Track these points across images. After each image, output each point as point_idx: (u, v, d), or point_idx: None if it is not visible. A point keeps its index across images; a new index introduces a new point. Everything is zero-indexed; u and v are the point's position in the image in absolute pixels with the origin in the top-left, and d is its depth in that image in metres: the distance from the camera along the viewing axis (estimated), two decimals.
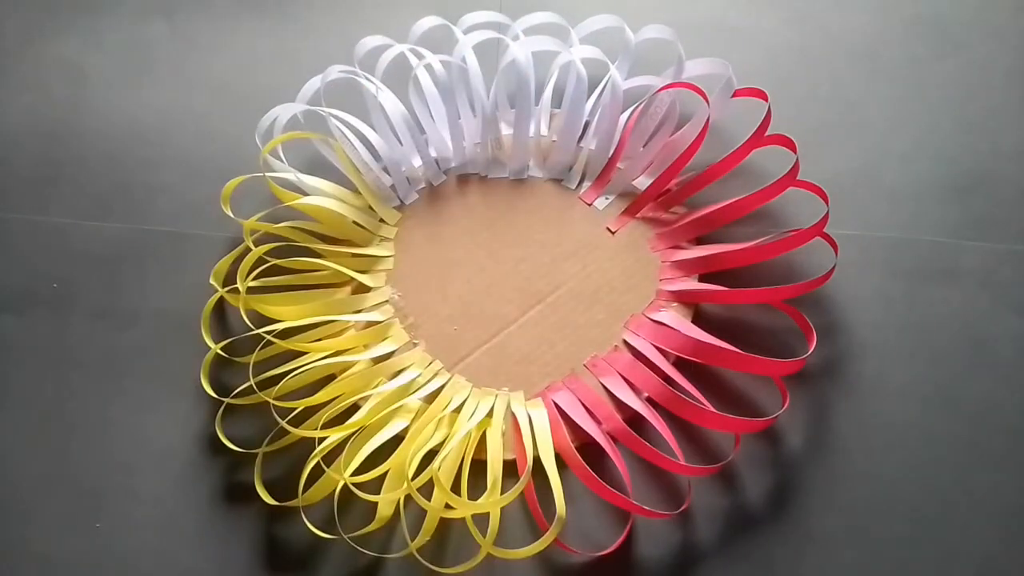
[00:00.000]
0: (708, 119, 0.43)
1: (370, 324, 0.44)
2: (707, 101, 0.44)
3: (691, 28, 0.48)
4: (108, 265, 0.47)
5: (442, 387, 0.42)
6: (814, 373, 0.41)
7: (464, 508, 0.38)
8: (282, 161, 0.47)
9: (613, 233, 0.45)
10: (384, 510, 0.39)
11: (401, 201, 0.48)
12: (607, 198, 0.46)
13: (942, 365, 0.41)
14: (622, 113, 0.47)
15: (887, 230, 0.44)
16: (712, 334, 0.41)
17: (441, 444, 0.40)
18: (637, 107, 0.46)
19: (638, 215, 0.45)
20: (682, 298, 0.43)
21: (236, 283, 0.44)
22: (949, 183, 0.44)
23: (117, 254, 0.48)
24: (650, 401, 0.41)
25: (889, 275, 0.43)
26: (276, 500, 0.40)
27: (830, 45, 0.48)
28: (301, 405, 0.41)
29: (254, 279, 0.44)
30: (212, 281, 0.45)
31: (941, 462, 0.40)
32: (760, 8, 0.49)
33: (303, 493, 0.39)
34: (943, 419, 0.40)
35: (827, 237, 0.42)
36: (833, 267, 0.41)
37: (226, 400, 0.42)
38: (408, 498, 0.39)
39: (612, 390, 0.41)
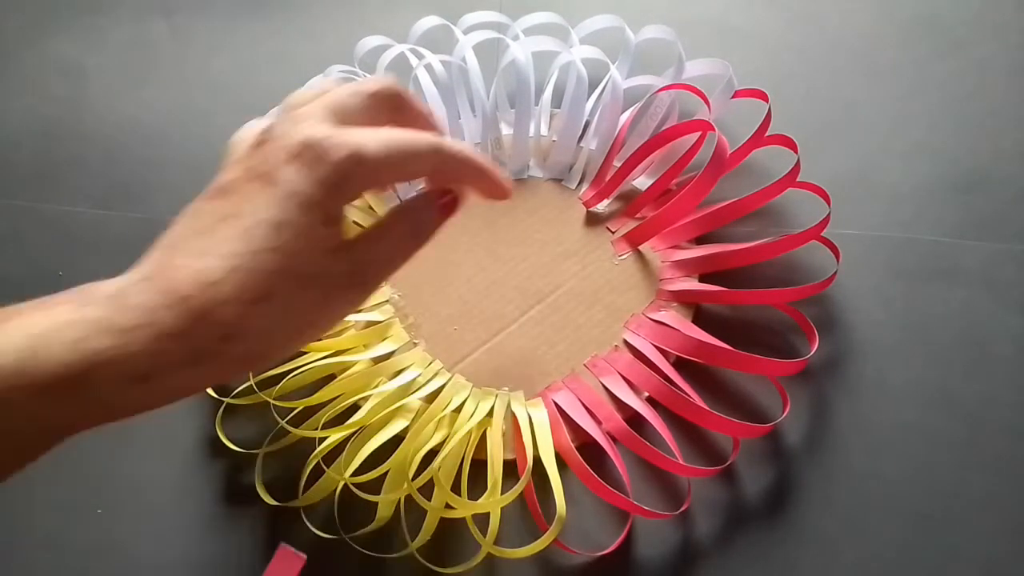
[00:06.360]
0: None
1: (370, 324, 0.44)
2: (707, 103, 0.44)
3: (691, 28, 0.48)
4: (107, 263, 0.47)
5: (442, 387, 0.42)
6: (814, 371, 0.41)
7: (464, 508, 0.38)
8: None
9: (613, 232, 0.45)
10: (384, 510, 0.39)
11: (400, 200, 0.48)
12: (607, 198, 0.46)
13: (942, 365, 0.41)
14: (622, 113, 0.47)
15: (887, 230, 0.44)
16: (712, 333, 0.41)
17: (441, 444, 0.40)
18: (637, 108, 0.46)
19: (638, 215, 0.45)
20: (682, 298, 0.43)
21: None
22: (949, 183, 0.44)
23: (117, 252, 0.47)
24: (651, 401, 0.41)
25: (889, 275, 0.43)
26: (276, 500, 0.40)
27: (830, 45, 0.48)
28: (301, 405, 0.41)
29: None
30: None
31: (941, 462, 0.40)
32: (760, 8, 0.49)
33: (303, 493, 0.40)
34: (943, 419, 0.40)
35: (827, 241, 0.42)
36: (835, 273, 0.41)
37: (226, 400, 0.42)
38: (408, 498, 0.39)
39: (612, 390, 0.41)
